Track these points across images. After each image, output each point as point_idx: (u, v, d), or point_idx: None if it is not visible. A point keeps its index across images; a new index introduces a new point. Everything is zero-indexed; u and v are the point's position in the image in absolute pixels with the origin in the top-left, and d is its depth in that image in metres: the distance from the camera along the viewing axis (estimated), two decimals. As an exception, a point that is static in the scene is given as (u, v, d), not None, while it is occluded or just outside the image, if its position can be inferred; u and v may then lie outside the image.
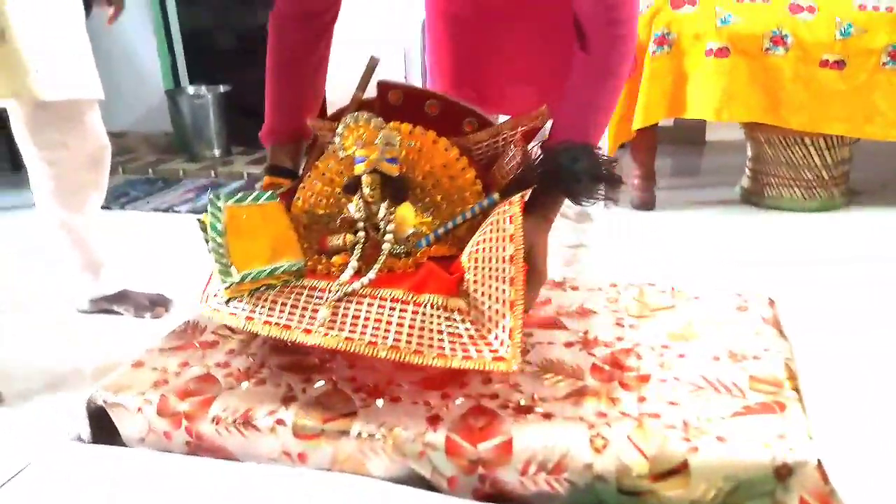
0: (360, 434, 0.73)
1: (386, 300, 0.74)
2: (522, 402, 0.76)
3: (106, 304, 1.67)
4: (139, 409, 0.80)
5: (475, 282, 0.75)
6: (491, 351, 0.71)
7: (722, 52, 1.92)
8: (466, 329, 0.73)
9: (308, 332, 0.74)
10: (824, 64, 1.89)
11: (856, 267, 1.75)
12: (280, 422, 0.75)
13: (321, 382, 0.81)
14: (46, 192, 1.53)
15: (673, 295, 1.01)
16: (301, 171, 1.00)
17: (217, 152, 3.34)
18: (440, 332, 0.73)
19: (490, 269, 0.74)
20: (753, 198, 2.30)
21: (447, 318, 0.73)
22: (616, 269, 1.51)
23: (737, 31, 1.91)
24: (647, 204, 2.23)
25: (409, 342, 0.72)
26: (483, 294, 0.74)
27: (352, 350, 0.72)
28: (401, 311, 0.73)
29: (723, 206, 2.30)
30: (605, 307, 0.98)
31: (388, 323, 0.73)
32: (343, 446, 0.74)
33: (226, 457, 0.78)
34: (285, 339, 0.74)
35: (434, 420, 0.74)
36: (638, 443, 0.69)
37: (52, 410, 1.27)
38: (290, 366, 0.85)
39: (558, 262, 1.36)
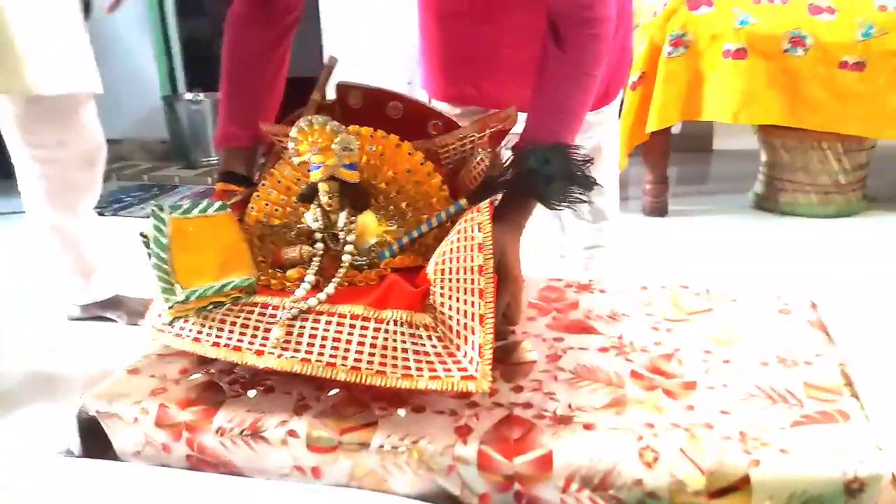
0: (381, 446, 0.66)
1: (345, 317, 0.69)
2: (559, 412, 0.69)
3: (98, 311, 1.59)
4: (135, 420, 0.73)
5: (442, 295, 0.69)
6: (459, 369, 0.66)
7: (740, 54, 1.88)
8: (433, 346, 0.68)
9: (260, 353, 0.69)
10: (844, 65, 1.85)
11: (879, 271, 1.70)
12: (292, 433, 0.68)
13: (336, 390, 0.74)
14: (37, 193, 1.46)
15: (709, 297, 0.95)
16: (256, 179, 0.94)
17: (215, 159, 3.28)
18: (405, 350, 0.67)
19: (457, 280, 0.69)
20: (767, 204, 2.26)
21: (412, 336, 0.68)
22: (635, 276, 1.46)
23: (755, 31, 1.87)
24: (659, 210, 2.18)
25: (370, 362, 0.67)
26: (450, 308, 0.69)
27: (308, 373, 0.67)
28: (361, 328, 0.68)
29: (736, 213, 2.25)
30: (638, 310, 0.92)
31: (348, 342, 0.67)
32: (362, 460, 0.67)
33: (231, 472, 0.71)
34: (235, 361, 0.70)
35: (463, 431, 0.67)
36: (692, 456, 0.62)
37: (39, 422, 1.18)
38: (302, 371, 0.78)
39: (577, 266, 1.30)
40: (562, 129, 0.87)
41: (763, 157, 2.28)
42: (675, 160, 2.76)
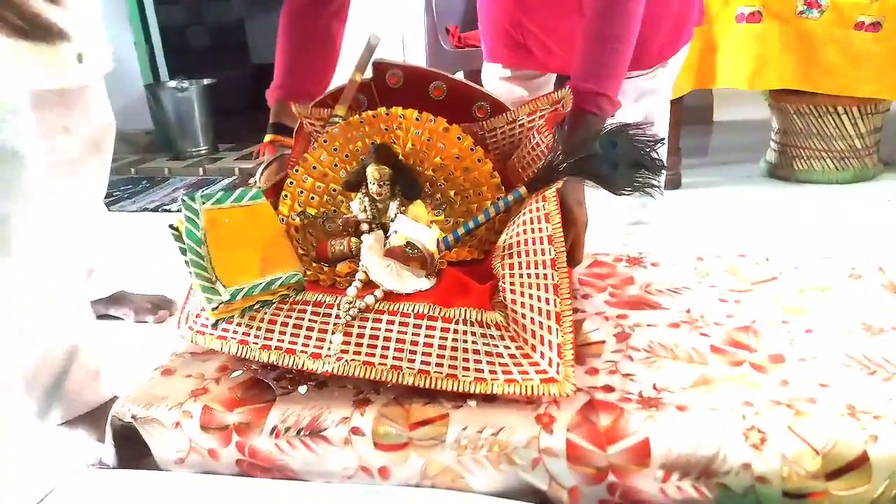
0: (457, 441, 0.60)
1: (409, 316, 0.64)
2: (645, 394, 0.64)
3: (102, 309, 1.50)
4: (177, 424, 0.66)
5: (512, 292, 0.65)
6: (538, 372, 0.62)
7: (754, 17, 1.83)
8: (506, 347, 0.63)
9: (317, 356, 0.64)
10: (860, 26, 1.80)
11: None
12: (356, 430, 0.62)
13: (395, 381, 0.67)
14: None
15: (770, 266, 0.90)
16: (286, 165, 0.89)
17: (204, 149, 3.16)
18: (476, 351, 0.63)
19: (528, 276, 0.65)
20: (781, 172, 2.22)
21: (483, 336, 0.63)
22: (668, 249, 1.41)
23: (769, -7, 1.82)
24: (674, 182, 2.14)
25: (439, 365, 0.62)
26: (523, 305, 0.64)
27: (372, 377, 0.63)
28: (427, 328, 0.64)
29: (750, 183, 2.22)
30: (698, 283, 0.87)
31: (414, 343, 0.63)
32: (436, 457, 0.61)
33: (287, 476, 0.65)
34: (289, 366, 0.65)
35: (546, 420, 0.61)
36: (803, 434, 0.57)
37: (59, 433, 1.09)
38: (353, 363, 0.71)
39: (616, 241, 1.24)
40: (607, 66, 0.84)
41: (775, 125, 2.24)
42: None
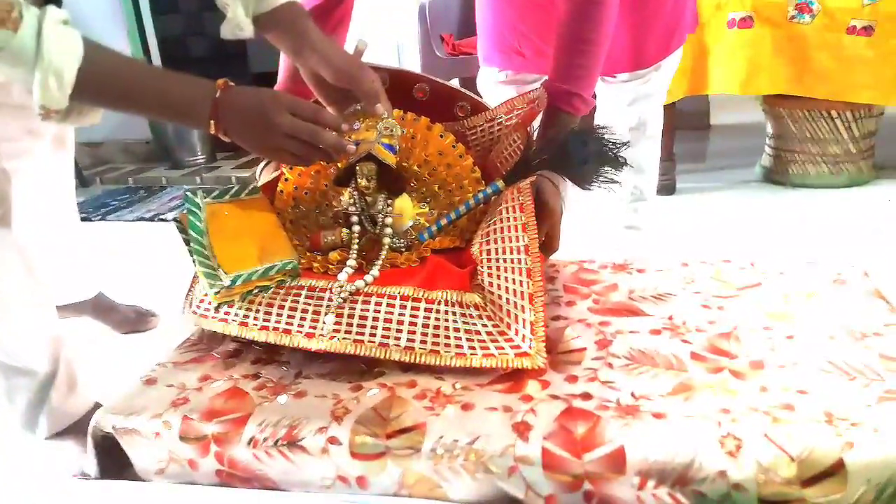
0: (433, 450, 0.60)
1: (395, 298, 0.70)
2: (623, 402, 0.64)
3: (89, 315, 1.48)
4: (157, 435, 0.66)
5: (490, 275, 0.71)
6: (512, 347, 0.68)
7: (745, 23, 1.83)
8: (484, 325, 0.69)
9: (311, 336, 0.69)
10: (852, 30, 1.80)
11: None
12: (333, 440, 0.62)
13: (375, 390, 0.68)
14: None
15: (755, 271, 0.90)
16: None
17: (201, 158, 3.17)
18: (456, 329, 0.68)
19: (504, 260, 0.71)
20: (776, 176, 2.22)
21: (462, 315, 0.69)
22: (659, 255, 1.41)
23: (761, -1, 1.82)
24: (668, 188, 2.14)
25: (423, 342, 0.68)
26: (499, 287, 0.70)
27: (362, 353, 0.68)
28: (412, 309, 0.69)
29: (745, 188, 2.22)
30: (683, 289, 0.87)
31: (400, 322, 0.69)
32: (413, 466, 0.61)
33: (266, 486, 0.65)
34: (286, 344, 0.70)
35: (522, 428, 0.61)
36: (779, 441, 0.57)
37: (44, 443, 1.09)
38: (333, 372, 0.72)
39: (608, 246, 1.25)
40: (581, 68, 0.88)
41: (769, 130, 2.24)
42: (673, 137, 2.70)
